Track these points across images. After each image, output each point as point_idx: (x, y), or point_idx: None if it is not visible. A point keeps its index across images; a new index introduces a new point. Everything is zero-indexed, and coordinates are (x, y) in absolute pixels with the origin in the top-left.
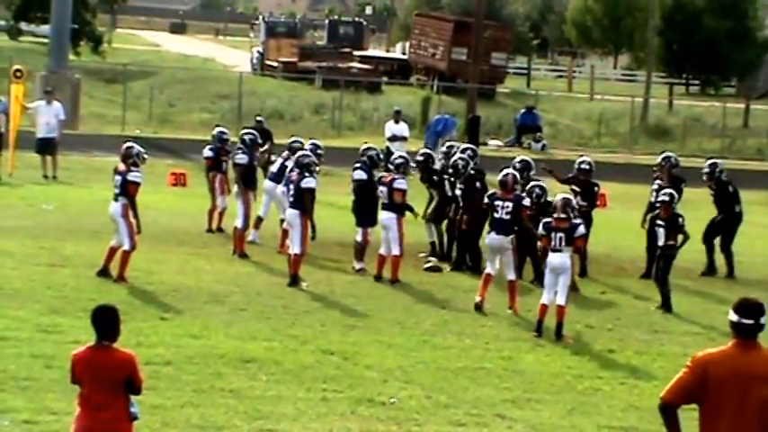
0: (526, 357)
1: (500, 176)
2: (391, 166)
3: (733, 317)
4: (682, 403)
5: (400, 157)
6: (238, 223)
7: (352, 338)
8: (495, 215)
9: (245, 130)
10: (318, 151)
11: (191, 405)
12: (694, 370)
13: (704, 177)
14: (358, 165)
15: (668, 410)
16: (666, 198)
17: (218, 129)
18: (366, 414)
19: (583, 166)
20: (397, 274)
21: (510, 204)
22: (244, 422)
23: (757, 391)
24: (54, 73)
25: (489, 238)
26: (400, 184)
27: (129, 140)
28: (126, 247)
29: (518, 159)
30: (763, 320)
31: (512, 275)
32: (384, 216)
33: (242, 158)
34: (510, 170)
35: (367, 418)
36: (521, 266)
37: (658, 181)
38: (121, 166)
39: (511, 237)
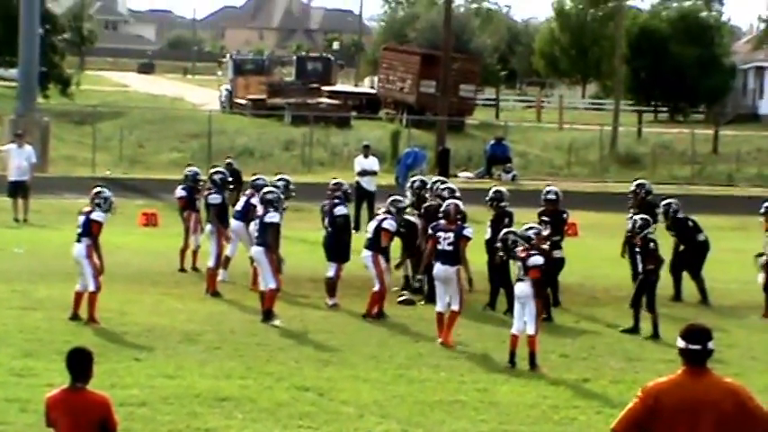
0: (501, 389)
1: (443, 207)
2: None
3: (681, 343)
4: None
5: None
6: (211, 263)
7: (327, 374)
8: (439, 246)
9: (215, 170)
10: (290, 186)
11: None
12: (645, 400)
13: (660, 219)
14: (337, 201)
15: None
16: (639, 223)
17: (189, 168)
18: None
19: (549, 196)
20: (373, 309)
21: (451, 235)
22: None
23: (707, 418)
24: (22, 116)
25: (435, 270)
26: (390, 225)
27: (100, 185)
28: (91, 288)
29: (492, 189)
30: (710, 345)
31: (456, 306)
32: (363, 254)
33: (215, 198)
34: (453, 201)
35: None
36: (494, 298)
37: (632, 209)
38: (86, 208)
39: (456, 267)
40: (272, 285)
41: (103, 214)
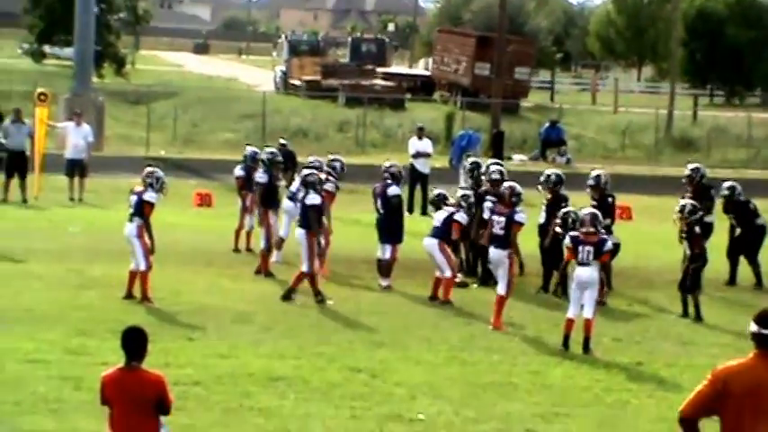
0: (554, 371)
1: (501, 189)
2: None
3: (753, 327)
4: (701, 416)
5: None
6: (262, 243)
7: (380, 356)
8: (493, 230)
9: (266, 150)
10: (338, 165)
11: (220, 425)
12: (714, 383)
13: (722, 202)
14: (389, 181)
15: (687, 424)
16: (688, 208)
17: (249, 148)
18: (395, 430)
19: (590, 181)
20: (448, 295)
21: (503, 219)
22: None
23: None
24: (78, 95)
25: (490, 253)
26: (462, 218)
27: (152, 164)
28: (142, 267)
29: (547, 172)
30: None
31: (502, 291)
32: (426, 242)
33: (262, 177)
34: (510, 183)
35: None
36: (547, 281)
37: (687, 194)
38: (138, 188)
39: (507, 251)
40: (304, 269)
41: (155, 195)
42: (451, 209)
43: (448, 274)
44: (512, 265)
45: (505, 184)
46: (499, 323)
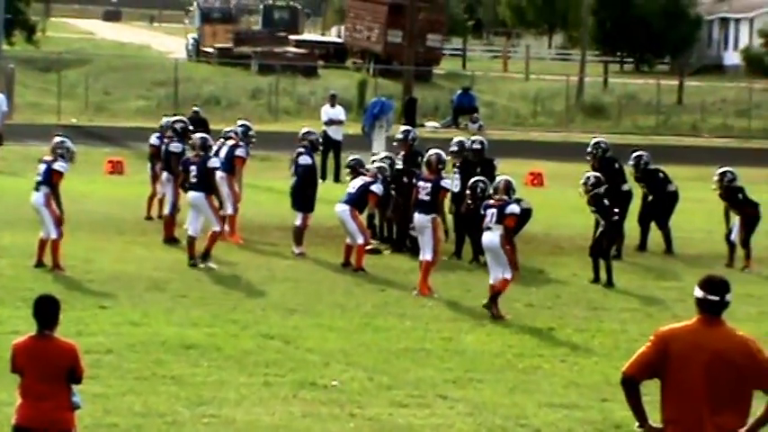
0: (466, 337)
1: (426, 156)
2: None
3: (698, 293)
4: (644, 378)
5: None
6: (167, 210)
7: (293, 322)
8: (419, 196)
9: (176, 119)
10: (250, 133)
11: (133, 393)
12: (656, 345)
13: (632, 171)
14: (302, 150)
15: (630, 384)
16: (591, 180)
17: (166, 118)
18: (308, 397)
19: (475, 146)
20: (361, 262)
21: (429, 185)
22: (186, 408)
23: (716, 366)
24: None
25: (414, 219)
26: (378, 189)
27: (61, 134)
28: (53, 235)
29: (455, 140)
30: (728, 297)
31: (428, 256)
32: (339, 208)
33: (177, 147)
34: (435, 151)
35: (309, 401)
36: (459, 248)
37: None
38: (47, 157)
39: (431, 216)
40: (217, 228)
41: (66, 164)
42: (368, 178)
43: (360, 240)
44: (436, 229)
45: (431, 151)
46: (425, 288)
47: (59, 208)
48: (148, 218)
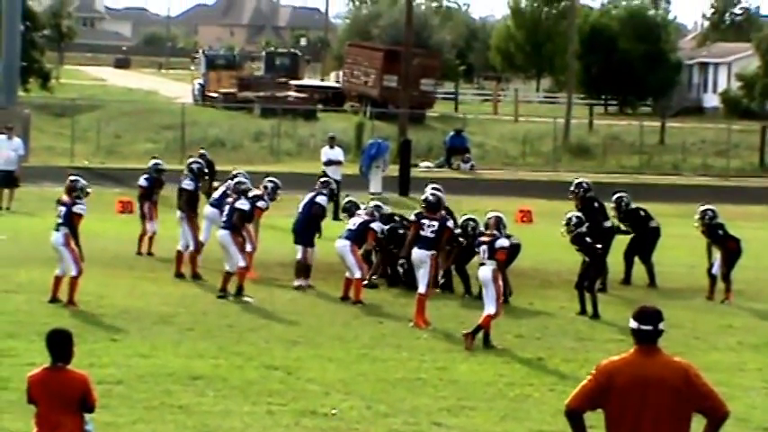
0: (460, 367)
1: (425, 197)
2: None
3: (633, 324)
4: (586, 410)
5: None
6: (181, 246)
7: (295, 354)
8: (421, 232)
9: (193, 159)
10: (278, 190)
11: (142, 422)
12: (598, 378)
13: (614, 213)
14: (323, 192)
15: (574, 416)
16: (573, 221)
17: (154, 160)
18: (309, 425)
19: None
20: (359, 295)
21: (436, 223)
22: None
23: (657, 394)
24: (5, 108)
25: (413, 254)
26: (377, 227)
27: (73, 174)
28: (73, 273)
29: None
30: (661, 326)
31: (423, 290)
32: (338, 244)
33: (189, 185)
34: (435, 192)
35: (311, 429)
36: (449, 280)
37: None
38: (66, 198)
39: (431, 252)
40: (242, 264)
41: (84, 206)
42: (367, 217)
43: (358, 275)
44: (433, 266)
45: (432, 192)
46: (420, 321)
47: (78, 247)
48: (139, 253)
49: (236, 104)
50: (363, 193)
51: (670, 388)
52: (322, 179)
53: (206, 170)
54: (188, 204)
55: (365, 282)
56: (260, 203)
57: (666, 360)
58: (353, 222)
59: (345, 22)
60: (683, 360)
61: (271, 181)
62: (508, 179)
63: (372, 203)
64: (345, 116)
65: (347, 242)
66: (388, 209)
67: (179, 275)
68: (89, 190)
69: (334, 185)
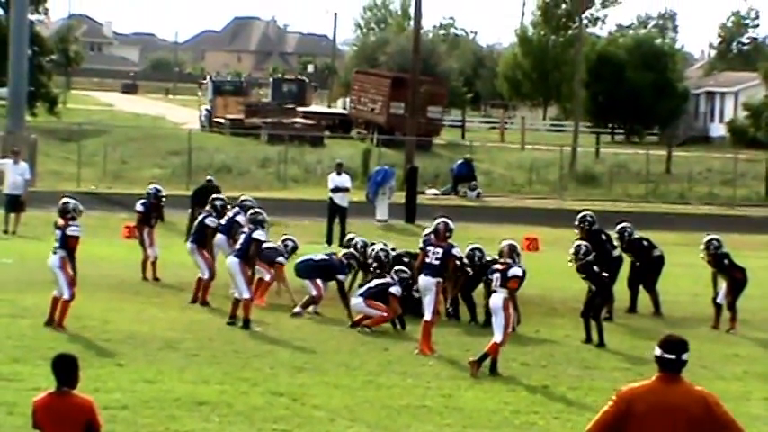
0: (465, 395)
1: (433, 225)
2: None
3: (657, 351)
4: None
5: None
6: (205, 274)
7: (300, 380)
8: (427, 259)
9: (216, 196)
10: (291, 244)
11: None
12: (618, 404)
13: (617, 243)
14: (352, 262)
15: None
16: (582, 250)
17: (153, 185)
18: None
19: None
20: (363, 319)
21: (440, 251)
22: None
23: (678, 422)
24: (12, 133)
25: (419, 281)
26: (397, 291)
27: (66, 195)
28: (66, 296)
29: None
30: (685, 356)
31: (428, 317)
32: (354, 302)
33: (212, 221)
34: (442, 219)
35: None
36: (456, 307)
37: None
38: (61, 222)
39: (437, 279)
40: (247, 295)
41: (78, 228)
42: (388, 279)
43: (377, 314)
44: (438, 293)
45: (440, 220)
46: (426, 348)
47: (74, 271)
48: (144, 279)
49: (243, 130)
50: (370, 220)
51: (690, 417)
52: (345, 252)
53: (228, 206)
54: (207, 239)
55: None
56: (279, 259)
57: (687, 389)
58: (375, 282)
59: (353, 49)
60: (704, 389)
61: (290, 240)
62: (514, 207)
63: (378, 247)
64: (352, 143)
65: (360, 299)
66: (393, 247)
67: (204, 303)
68: (81, 208)
69: (357, 257)
